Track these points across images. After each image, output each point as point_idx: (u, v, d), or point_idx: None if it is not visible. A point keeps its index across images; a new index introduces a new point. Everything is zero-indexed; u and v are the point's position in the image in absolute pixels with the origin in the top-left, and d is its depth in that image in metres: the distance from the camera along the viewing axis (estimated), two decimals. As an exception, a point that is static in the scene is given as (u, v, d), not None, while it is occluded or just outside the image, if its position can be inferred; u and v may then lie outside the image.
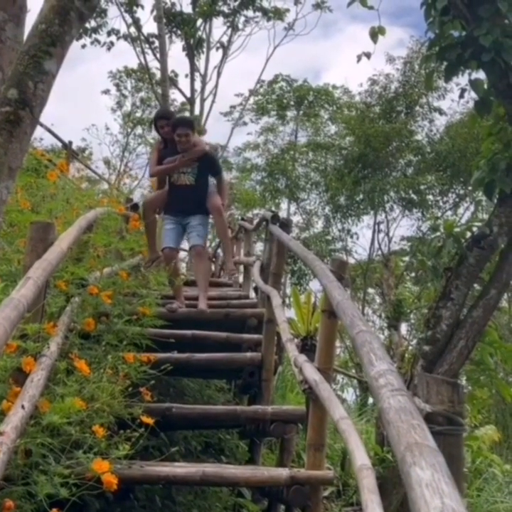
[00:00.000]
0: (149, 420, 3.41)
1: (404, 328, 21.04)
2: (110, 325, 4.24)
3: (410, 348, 17.91)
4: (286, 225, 6.06)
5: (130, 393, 3.70)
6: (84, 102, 39.92)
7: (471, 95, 7.05)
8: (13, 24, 1.78)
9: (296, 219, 24.71)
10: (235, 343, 5.88)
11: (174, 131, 6.81)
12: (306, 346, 7.22)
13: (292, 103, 26.02)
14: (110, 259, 5.72)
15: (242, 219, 11.10)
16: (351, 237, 22.57)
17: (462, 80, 6.55)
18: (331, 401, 3.23)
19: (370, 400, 13.71)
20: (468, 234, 6.43)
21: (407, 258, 22.56)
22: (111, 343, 4.12)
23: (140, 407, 3.63)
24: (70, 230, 3.95)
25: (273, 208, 23.97)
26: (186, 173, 7.00)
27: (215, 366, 5.51)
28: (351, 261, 22.23)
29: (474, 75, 6.19)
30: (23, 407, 2.72)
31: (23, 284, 2.75)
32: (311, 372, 3.56)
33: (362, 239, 23.30)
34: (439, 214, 21.72)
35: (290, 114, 26.50)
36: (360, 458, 2.66)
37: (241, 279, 9.25)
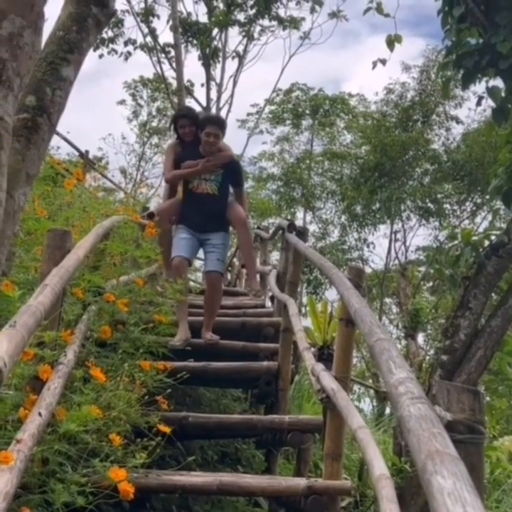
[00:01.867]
0: (166, 429, 3.39)
1: (421, 338, 20.93)
2: (127, 333, 4.24)
3: (427, 357, 17.80)
4: (302, 233, 6.04)
5: (146, 402, 3.69)
6: (101, 112, 40.24)
7: (489, 103, 7.03)
8: (31, 30, 1.77)
9: (312, 228, 24.67)
10: (252, 352, 5.86)
11: (202, 129, 6.03)
12: (323, 355, 7.15)
13: (308, 112, 26.02)
14: (127, 267, 5.74)
15: (258, 228, 11.08)
16: (368, 246, 22.55)
17: (479, 87, 6.53)
18: (348, 410, 3.21)
19: (388, 411, 13.61)
20: (486, 242, 6.40)
21: (423, 268, 22.46)
22: (127, 351, 4.12)
23: (157, 416, 3.62)
24: (87, 237, 3.96)
25: (289, 217, 23.99)
26: (209, 180, 6.16)
27: (232, 375, 5.49)
28: (368, 270, 22.15)
29: (491, 83, 6.18)
30: (40, 414, 2.71)
31: (41, 291, 2.75)
32: (329, 381, 3.53)
33: (378, 248, 23.25)
34: (457, 223, 21.62)
35: (305, 123, 26.51)
36: (379, 467, 2.62)
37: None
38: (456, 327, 6.25)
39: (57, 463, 2.99)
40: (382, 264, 22.59)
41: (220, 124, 6.26)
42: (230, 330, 6.29)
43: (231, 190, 6.44)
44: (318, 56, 41.94)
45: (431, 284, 22.47)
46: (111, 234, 5.17)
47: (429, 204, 20.95)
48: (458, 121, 21.92)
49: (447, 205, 21.65)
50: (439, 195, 20.98)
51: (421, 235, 22.11)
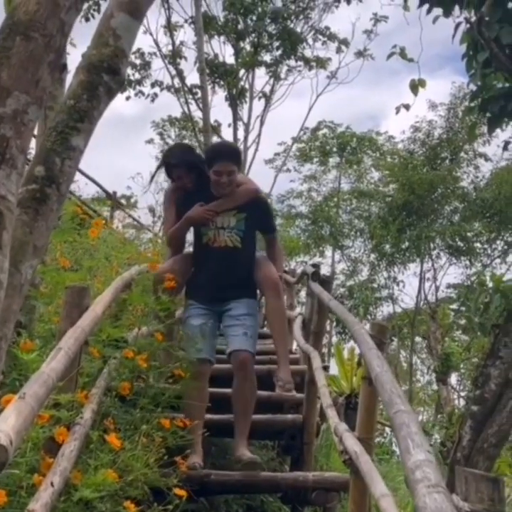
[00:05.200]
0: (183, 492, 3.30)
1: (454, 377, 20.59)
2: (146, 389, 4.16)
3: (460, 399, 17.47)
4: (327, 282, 5.93)
5: (167, 461, 3.60)
6: (130, 151, 40.94)
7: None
8: (36, 107, 1.75)
9: (340, 266, 24.59)
10: (277, 402, 5.73)
11: (210, 166, 4.64)
12: (351, 404, 7.05)
13: (335, 150, 26.09)
14: (149, 317, 5.67)
15: (285, 271, 10.97)
16: (397, 284, 22.35)
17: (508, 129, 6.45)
18: (371, 476, 3.08)
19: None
20: (516, 288, 6.26)
21: (454, 305, 22.16)
22: (146, 407, 4.03)
23: (176, 477, 3.53)
24: (106, 292, 3.93)
25: (317, 256, 23.92)
26: (227, 228, 4.71)
27: (256, 428, 5.37)
28: (397, 309, 21.94)
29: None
30: (52, 484, 2.64)
31: (54, 355, 2.71)
32: (352, 444, 3.41)
33: (408, 287, 23.02)
34: (488, 262, 21.38)
35: (332, 160, 26.57)
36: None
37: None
38: (487, 376, 6.08)
39: (70, 531, 2.92)
40: (412, 303, 22.35)
41: (232, 156, 4.75)
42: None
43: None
44: (352, 94, 42.12)
45: (463, 321, 22.14)
46: (133, 283, 5.12)
47: (459, 242, 20.77)
48: (486, 158, 21.82)
49: (477, 244, 21.44)
50: (468, 234, 20.80)
51: (452, 274, 21.92)
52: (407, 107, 6.92)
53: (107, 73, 2.22)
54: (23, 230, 1.92)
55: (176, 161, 4.88)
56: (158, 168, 5.25)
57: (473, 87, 6.22)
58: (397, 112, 6.99)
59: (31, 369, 3.08)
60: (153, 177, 6.38)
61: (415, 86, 6.52)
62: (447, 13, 6.01)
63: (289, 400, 5.79)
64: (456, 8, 6.07)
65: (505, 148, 6.32)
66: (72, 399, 3.14)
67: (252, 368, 4.67)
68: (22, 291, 1.90)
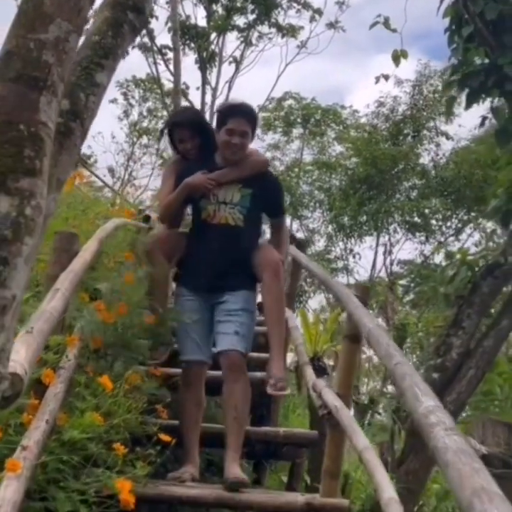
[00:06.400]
0: (167, 438, 3.36)
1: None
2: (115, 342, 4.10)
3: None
4: (302, 244, 5.99)
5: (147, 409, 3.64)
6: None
7: (476, 121, 7.01)
8: (77, 35, 1.74)
9: (298, 236, 24.66)
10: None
11: (222, 124, 4.08)
12: (315, 367, 7.14)
13: (299, 120, 26.06)
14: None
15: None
16: (353, 256, 22.58)
17: (476, 108, 6.53)
18: (353, 429, 3.19)
19: (366, 422, 13.63)
20: (482, 262, 6.43)
21: (403, 281, 22.47)
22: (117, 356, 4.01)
23: (156, 425, 3.57)
24: (92, 241, 3.92)
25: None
26: (229, 204, 4.13)
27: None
28: (352, 281, 22.19)
29: (495, 104, 6.22)
30: (47, 421, 2.66)
31: (53, 296, 2.71)
32: (332, 399, 3.51)
33: (363, 260, 23.27)
34: (442, 239, 21.73)
35: (296, 131, 26.54)
36: (388, 491, 2.61)
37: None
38: (449, 346, 6.26)
39: (57, 470, 2.95)
40: (367, 275, 22.64)
41: (249, 115, 4.19)
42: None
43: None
44: (320, 66, 41.98)
45: (411, 297, 22.49)
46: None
47: (416, 218, 21.04)
48: (448, 137, 22.04)
49: (433, 221, 21.75)
50: (426, 210, 21.08)
51: (406, 249, 22.20)
52: (386, 77, 6.99)
53: (132, 11, 2.21)
54: (48, 163, 1.92)
55: (181, 119, 4.49)
56: (164, 129, 4.72)
57: (454, 61, 6.29)
58: (376, 82, 7.06)
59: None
60: (160, 138, 6.13)
61: (397, 56, 6.56)
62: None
63: (255, 360, 5.86)
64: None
65: (482, 124, 6.43)
66: (62, 341, 3.15)
67: (244, 369, 4.12)
68: (45, 225, 1.91)
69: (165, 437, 3.37)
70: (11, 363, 1.80)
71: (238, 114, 4.10)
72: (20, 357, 2.04)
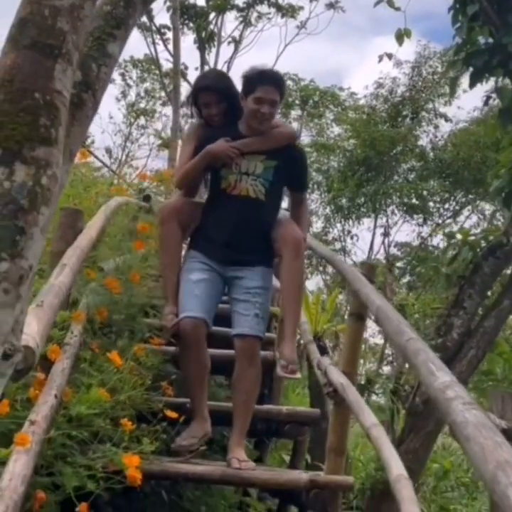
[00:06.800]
0: (174, 414, 3.36)
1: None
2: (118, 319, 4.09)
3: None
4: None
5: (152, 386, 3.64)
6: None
7: (475, 103, 7.00)
8: (91, 3, 1.72)
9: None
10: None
11: (250, 92, 3.84)
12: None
13: (297, 102, 25.95)
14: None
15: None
16: (351, 238, 22.58)
17: (480, 87, 6.48)
18: (359, 406, 3.19)
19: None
20: (484, 243, 6.42)
21: (400, 264, 22.50)
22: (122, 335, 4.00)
23: (161, 402, 3.57)
24: (97, 218, 3.91)
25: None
26: (251, 175, 3.93)
27: (226, 362, 5.42)
28: (349, 262, 22.19)
29: (500, 83, 6.17)
30: (55, 396, 2.66)
31: (61, 271, 2.70)
32: (337, 376, 3.51)
33: (361, 241, 23.28)
34: (440, 221, 21.72)
35: (294, 113, 26.44)
36: (396, 467, 2.61)
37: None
38: (449, 326, 6.26)
39: (64, 445, 2.95)
40: (364, 257, 22.65)
41: (279, 83, 3.95)
42: (221, 316, 6.16)
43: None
44: (319, 47, 41.66)
45: (407, 279, 22.51)
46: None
47: (415, 200, 21.02)
48: (447, 119, 21.96)
49: (431, 203, 21.73)
50: (424, 192, 21.05)
51: (404, 231, 22.18)
52: (389, 55, 6.94)
53: (144, -19, 2.18)
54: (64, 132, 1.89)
55: (208, 83, 4.17)
56: (191, 95, 4.34)
57: (458, 40, 6.23)
58: (379, 61, 7.00)
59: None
60: (187, 102, 5.52)
61: (401, 36, 6.49)
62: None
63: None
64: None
65: (486, 103, 6.39)
66: (68, 317, 3.14)
67: (259, 354, 3.98)
68: (57, 197, 1.89)
69: (171, 414, 3.37)
70: (23, 336, 1.78)
71: (268, 82, 3.85)
72: (32, 330, 2.03)
